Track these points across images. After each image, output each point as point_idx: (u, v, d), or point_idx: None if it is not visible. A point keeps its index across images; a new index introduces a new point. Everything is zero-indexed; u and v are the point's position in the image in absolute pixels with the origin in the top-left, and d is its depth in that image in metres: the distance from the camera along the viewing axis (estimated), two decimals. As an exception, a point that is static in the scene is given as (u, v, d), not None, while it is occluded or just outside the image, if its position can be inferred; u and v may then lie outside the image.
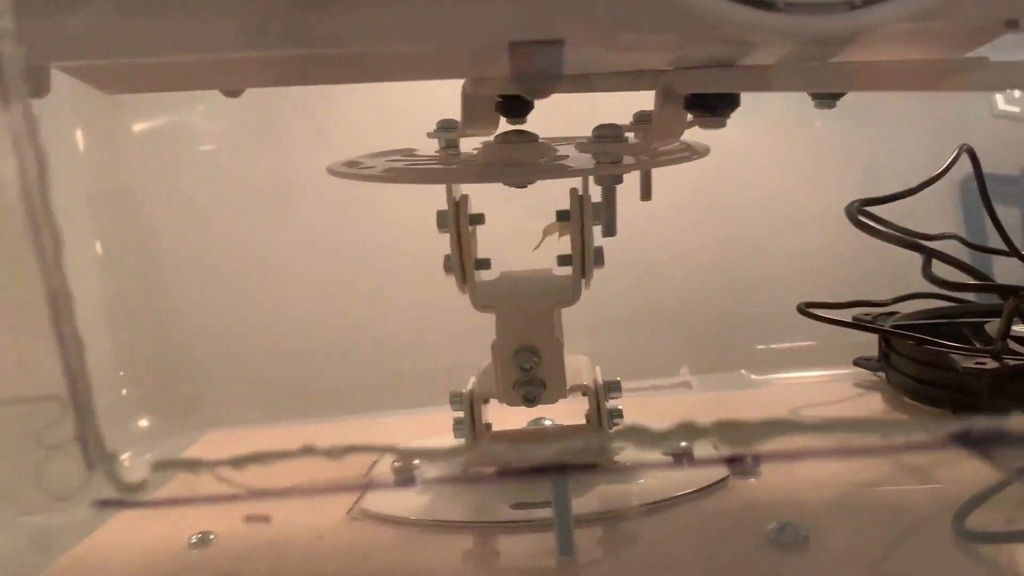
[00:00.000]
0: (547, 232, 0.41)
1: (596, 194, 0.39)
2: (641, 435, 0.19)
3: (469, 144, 0.41)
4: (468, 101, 0.38)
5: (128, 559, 0.37)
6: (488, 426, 0.42)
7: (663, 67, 0.33)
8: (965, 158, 0.53)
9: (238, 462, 0.19)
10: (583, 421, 0.42)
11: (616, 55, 0.33)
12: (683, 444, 0.41)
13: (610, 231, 0.39)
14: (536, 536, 0.36)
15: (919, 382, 0.48)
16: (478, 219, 0.40)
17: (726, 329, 0.61)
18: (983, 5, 0.27)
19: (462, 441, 0.41)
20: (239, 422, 0.55)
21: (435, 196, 0.39)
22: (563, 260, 0.41)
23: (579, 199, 0.39)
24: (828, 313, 0.53)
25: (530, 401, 0.40)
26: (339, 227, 0.60)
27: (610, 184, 0.38)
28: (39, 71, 0.28)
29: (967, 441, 0.36)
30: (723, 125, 0.33)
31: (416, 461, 0.41)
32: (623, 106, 0.38)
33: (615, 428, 0.41)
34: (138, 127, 0.60)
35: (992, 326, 0.48)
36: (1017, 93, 0.62)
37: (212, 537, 0.38)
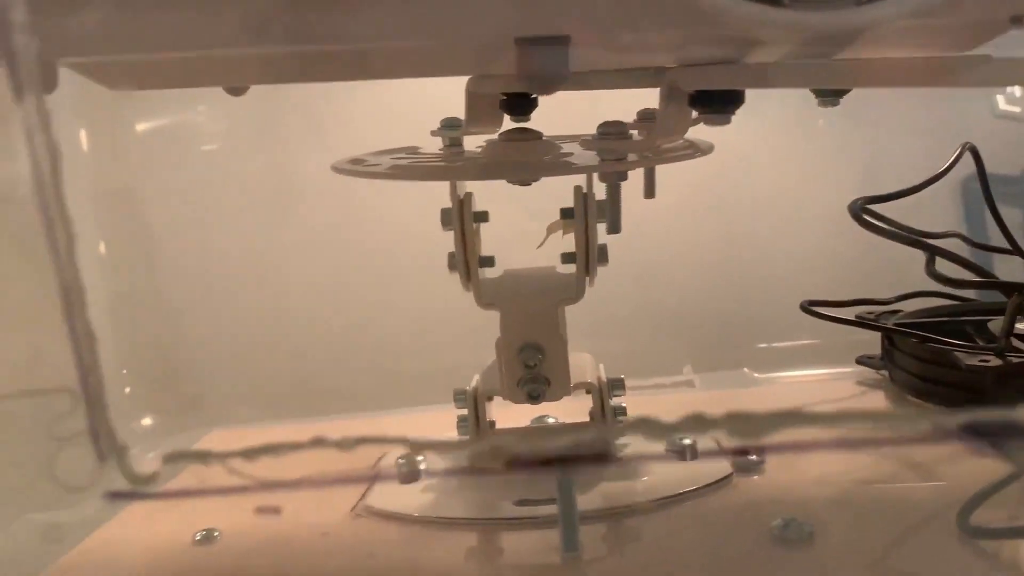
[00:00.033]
0: (551, 230, 0.41)
1: (600, 191, 0.39)
2: (650, 427, 0.19)
3: (473, 142, 0.41)
4: (472, 99, 0.38)
5: (136, 554, 0.37)
6: (492, 424, 0.42)
7: (668, 64, 0.34)
8: (967, 157, 0.53)
9: (249, 454, 0.19)
10: (587, 419, 0.42)
11: (620, 53, 0.33)
12: (687, 441, 0.41)
13: (615, 228, 0.39)
14: (540, 532, 0.36)
15: (922, 380, 0.48)
16: (482, 216, 0.40)
17: (728, 328, 0.61)
18: (986, 1, 0.28)
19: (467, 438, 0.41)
20: (241, 421, 0.55)
21: (437, 195, 0.40)
22: (567, 258, 0.41)
23: (583, 196, 0.39)
24: (831, 311, 0.53)
25: (534, 398, 0.40)
26: (341, 226, 0.60)
27: (615, 181, 0.38)
28: (47, 67, 0.28)
29: (975, 432, 0.36)
30: (728, 122, 0.33)
31: (420, 457, 0.41)
32: (624, 104, 0.38)
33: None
34: (141, 127, 0.60)
35: (995, 324, 0.47)
36: (1018, 93, 0.62)
37: (216, 534, 0.38)
